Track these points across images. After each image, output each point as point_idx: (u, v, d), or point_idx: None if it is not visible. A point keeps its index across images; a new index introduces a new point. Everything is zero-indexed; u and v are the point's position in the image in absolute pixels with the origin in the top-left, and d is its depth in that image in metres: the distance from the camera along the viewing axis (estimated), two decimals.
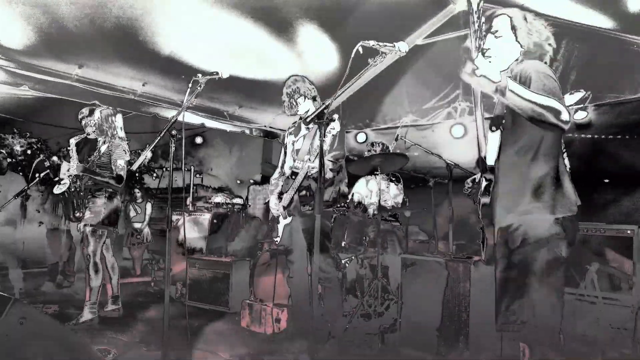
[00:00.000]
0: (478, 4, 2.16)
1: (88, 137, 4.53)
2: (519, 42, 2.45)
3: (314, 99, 3.90)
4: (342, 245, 4.76)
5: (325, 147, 3.08)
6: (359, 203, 5.21)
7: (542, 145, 2.33)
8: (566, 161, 2.44)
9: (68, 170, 4.32)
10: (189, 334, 3.39)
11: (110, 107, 4.65)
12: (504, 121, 2.55)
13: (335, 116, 3.17)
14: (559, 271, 2.30)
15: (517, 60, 2.48)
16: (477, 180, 2.74)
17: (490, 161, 2.65)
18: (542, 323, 2.29)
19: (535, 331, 2.30)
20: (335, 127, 3.16)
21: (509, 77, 2.25)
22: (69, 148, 4.44)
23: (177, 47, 5.30)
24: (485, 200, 2.51)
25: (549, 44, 2.49)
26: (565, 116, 2.19)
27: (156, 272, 6.36)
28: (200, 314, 4.70)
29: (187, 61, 5.48)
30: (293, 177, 3.74)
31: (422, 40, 5.90)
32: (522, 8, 2.61)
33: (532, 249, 2.29)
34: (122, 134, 4.57)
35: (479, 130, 2.65)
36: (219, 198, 6.96)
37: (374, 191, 5.40)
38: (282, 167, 4.04)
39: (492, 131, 2.61)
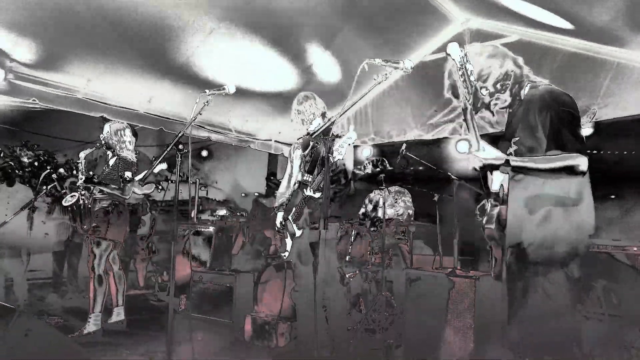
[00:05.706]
0: (462, 61, 2.12)
1: (98, 149, 4.60)
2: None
3: (323, 115, 3.90)
4: (347, 259, 4.76)
5: (340, 156, 3.17)
6: (365, 217, 5.21)
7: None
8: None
9: (78, 183, 4.40)
10: (193, 346, 3.38)
11: (120, 121, 4.75)
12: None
13: (352, 127, 3.22)
14: (570, 290, 2.28)
15: (518, 86, 2.45)
16: (485, 207, 2.70)
17: (495, 187, 2.61)
18: (554, 340, 2.27)
19: (547, 347, 2.28)
20: (352, 136, 3.21)
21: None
22: (78, 161, 4.51)
23: (184, 62, 5.36)
24: (490, 225, 2.47)
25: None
26: (582, 167, 2.17)
27: (160, 284, 6.36)
28: (203, 326, 4.68)
29: (194, 76, 5.54)
30: (303, 190, 3.74)
31: (429, 56, 5.94)
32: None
33: (543, 268, 2.27)
34: (130, 147, 4.63)
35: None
36: (223, 211, 6.97)
37: (379, 205, 5.40)
38: (289, 181, 4.04)
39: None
